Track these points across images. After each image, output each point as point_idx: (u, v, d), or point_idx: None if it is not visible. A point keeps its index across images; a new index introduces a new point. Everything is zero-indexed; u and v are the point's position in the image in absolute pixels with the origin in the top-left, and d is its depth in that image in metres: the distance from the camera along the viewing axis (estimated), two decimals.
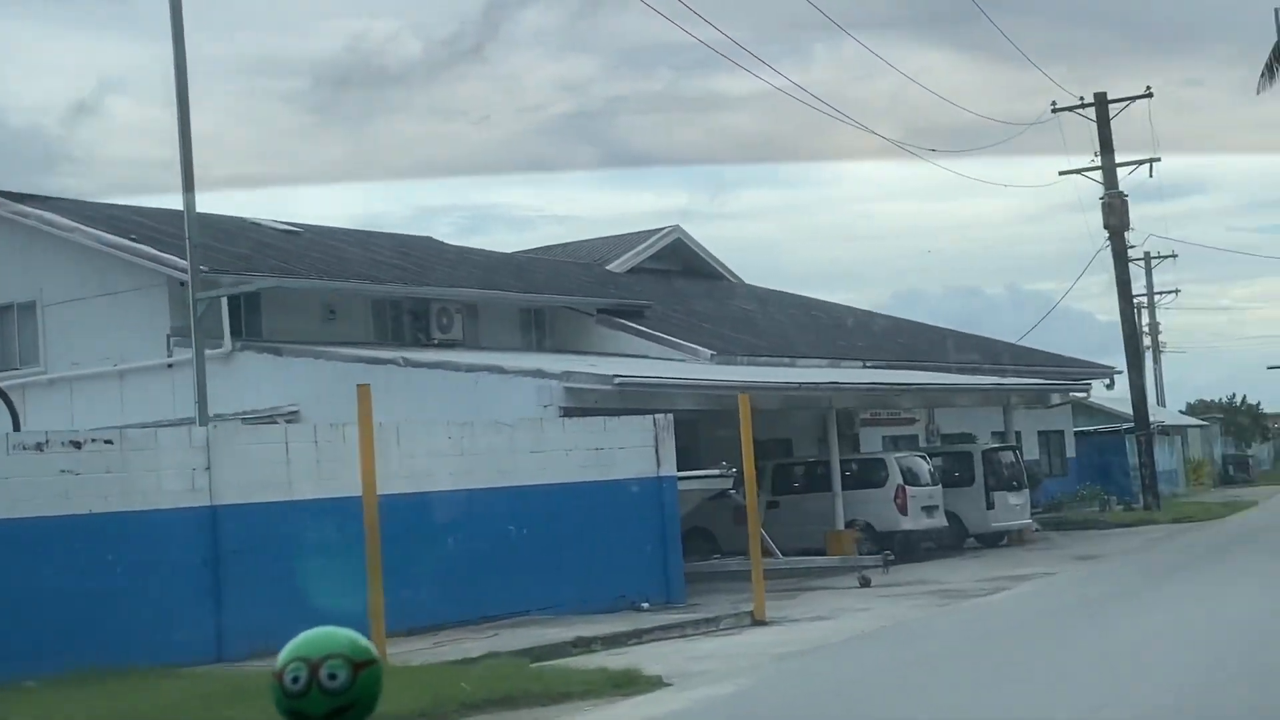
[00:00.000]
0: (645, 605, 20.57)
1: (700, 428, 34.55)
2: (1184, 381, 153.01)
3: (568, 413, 22.53)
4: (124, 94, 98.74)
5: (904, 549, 29.96)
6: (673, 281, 42.26)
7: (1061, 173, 42.29)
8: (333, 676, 3.12)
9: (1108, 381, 48.54)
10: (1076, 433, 50.67)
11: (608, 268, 41.26)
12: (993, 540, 32.81)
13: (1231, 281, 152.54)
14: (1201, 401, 75.16)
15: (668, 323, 35.25)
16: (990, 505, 32.04)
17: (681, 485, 22.60)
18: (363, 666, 3.15)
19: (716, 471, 23.59)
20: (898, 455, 30.52)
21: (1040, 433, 47.01)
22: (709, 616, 18.52)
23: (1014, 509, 32.66)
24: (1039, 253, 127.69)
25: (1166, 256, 71.87)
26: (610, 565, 20.72)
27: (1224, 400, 74.02)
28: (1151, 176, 41.64)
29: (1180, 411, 74.12)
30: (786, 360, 34.65)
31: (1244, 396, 74.32)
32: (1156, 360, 72.34)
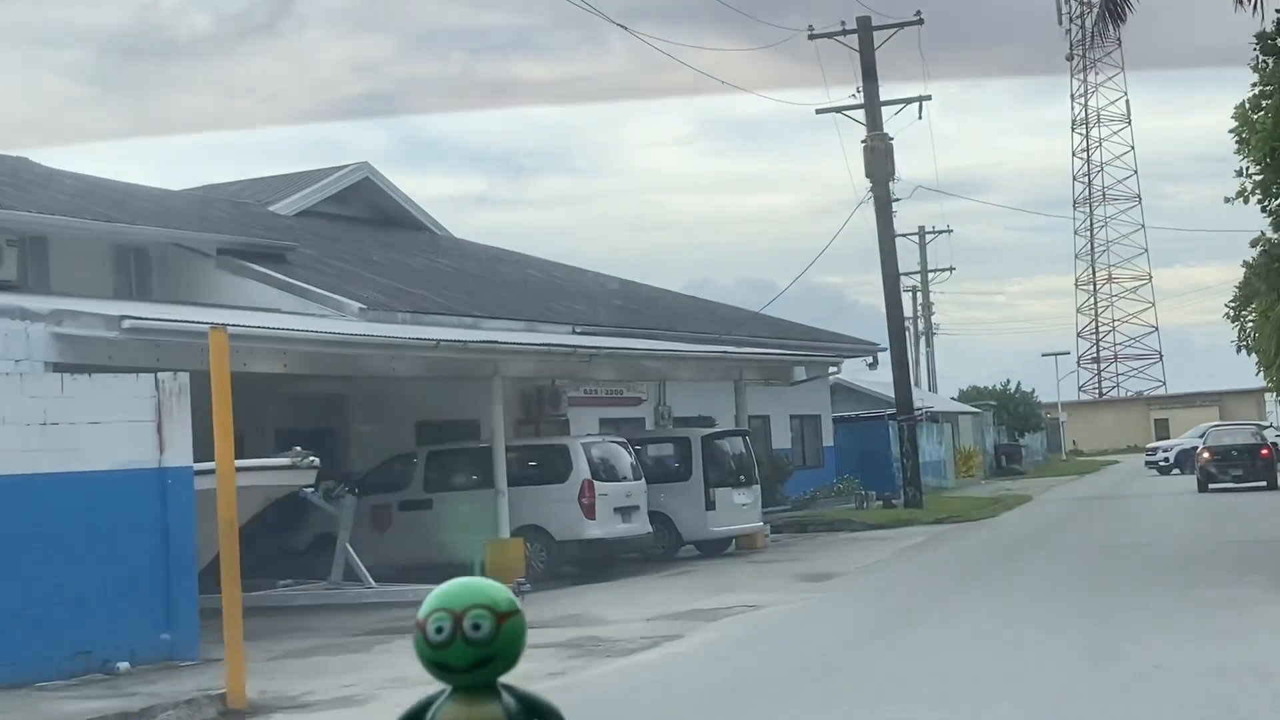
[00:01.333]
0: (123, 666, 13.27)
1: (353, 405, 27.18)
2: (958, 374, 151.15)
3: (63, 371, 14.97)
4: None
5: (591, 561, 22.97)
6: (354, 228, 34.69)
7: (819, 110, 35.83)
8: (476, 627, 3.05)
9: (870, 360, 42.48)
10: (836, 418, 44.52)
11: (272, 208, 33.53)
12: (716, 548, 26.08)
13: (1007, 279, 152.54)
14: (974, 388, 70.22)
15: (320, 271, 27.65)
16: (710, 505, 25.26)
17: (240, 480, 15.20)
18: (506, 617, 3.08)
19: (286, 460, 16.17)
20: (586, 440, 23.45)
21: (794, 418, 40.65)
22: (150, 704, 11.08)
23: (741, 510, 25.93)
24: (831, 246, 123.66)
25: (941, 231, 66.67)
26: (71, 605, 13.22)
27: (998, 387, 69.17)
28: (920, 118, 35.32)
29: (952, 399, 69.06)
30: (470, 321, 27.38)
31: (1018, 383, 69.68)
32: (928, 343, 67.12)
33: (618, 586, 20.91)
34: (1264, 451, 39.29)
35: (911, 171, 67.44)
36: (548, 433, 26.80)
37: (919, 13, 34.57)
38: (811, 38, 34.64)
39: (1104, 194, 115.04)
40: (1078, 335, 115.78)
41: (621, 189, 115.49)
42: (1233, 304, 62.81)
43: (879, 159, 34.44)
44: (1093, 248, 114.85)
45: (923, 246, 66.31)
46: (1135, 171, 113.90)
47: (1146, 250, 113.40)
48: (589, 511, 22.40)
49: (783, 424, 39.93)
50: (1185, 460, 47.54)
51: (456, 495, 22.80)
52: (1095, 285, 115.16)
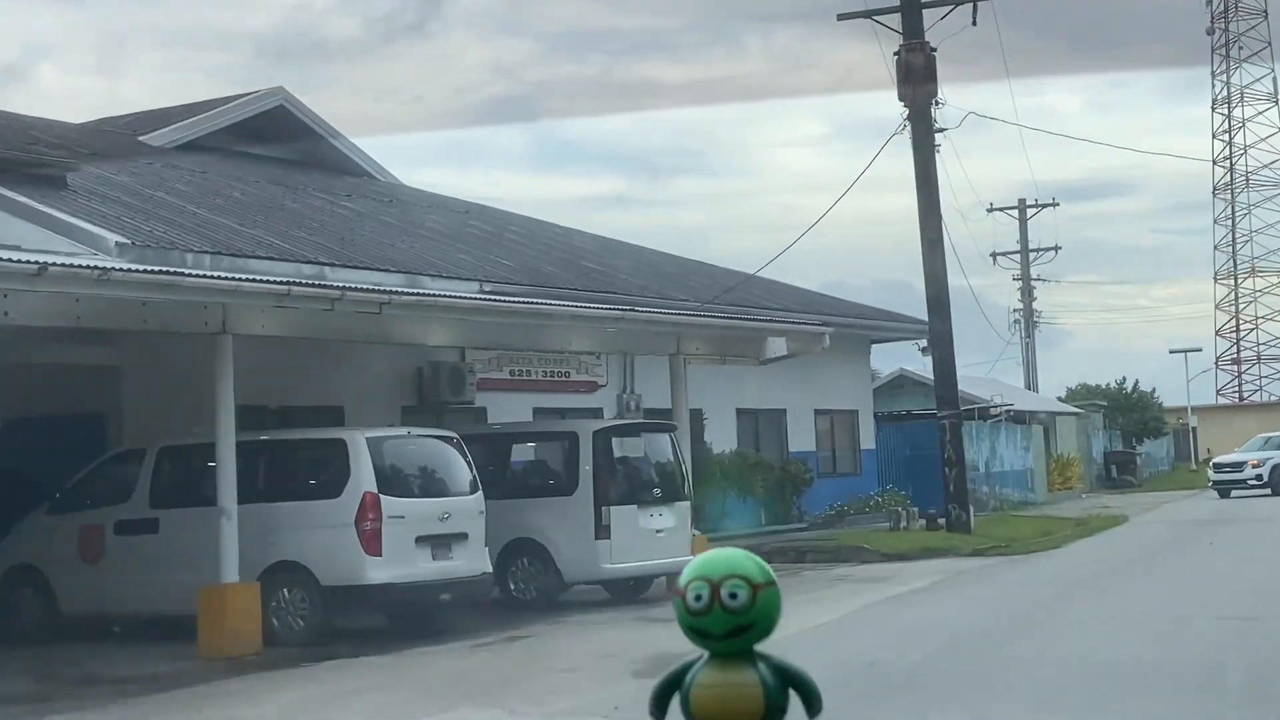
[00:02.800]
0: None
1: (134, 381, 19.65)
2: (1084, 375, 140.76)
3: None
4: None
5: (398, 617, 15.23)
6: (250, 165, 27.38)
7: (841, 16, 27.57)
8: (733, 596, 3.14)
9: (921, 345, 34.18)
10: (881, 415, 36.20)
11: (144, 138, 26.38)
12: (629, 593, 18.20)
13: (1152, 282, 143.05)
14: (1084, 386, 61.08)
15: (103, 200, 20.25)
16: (602, 531, 17.32)
17: None
18: (762, 588, 3.17)
19: None
20: (375, 435, 15.51)
21: (820, 413, 32.46)
22: None
23: (656, 539, 17.90)
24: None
25: (1046, 205, 57.62)
26: None
27: (1113, 385, 59.98)
28: (975, 24, 26.81)
29: (1059, 398, 59.98)
30: (312, 270, 19.78)
31: (1135, 382, 60.32)
32: (1028, 333, 58.13)
33: (371, 669, 13.09)
34: None
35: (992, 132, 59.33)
36: (454, 425, 19.20)
37: None
38: None
39: (1247, 179, 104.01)
40: (1216, 334, 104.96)
41: (756, 189, 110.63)
42: None
43: (915, 76, 26.11)
44: (1234, 237, 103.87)
45: (1023, 222, 57.40)
46: None
47: None
48: (370, 542, 14.60)
49: (804, 420, 31.77)
50: (1277, 477, 38.39)
51: (192, 514, 15.15)
52: (1236, 279, 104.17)
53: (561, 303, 18.33)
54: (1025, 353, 58.15)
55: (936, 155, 27.19)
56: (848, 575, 21.36)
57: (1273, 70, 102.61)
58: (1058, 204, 56.94)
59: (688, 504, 18.53)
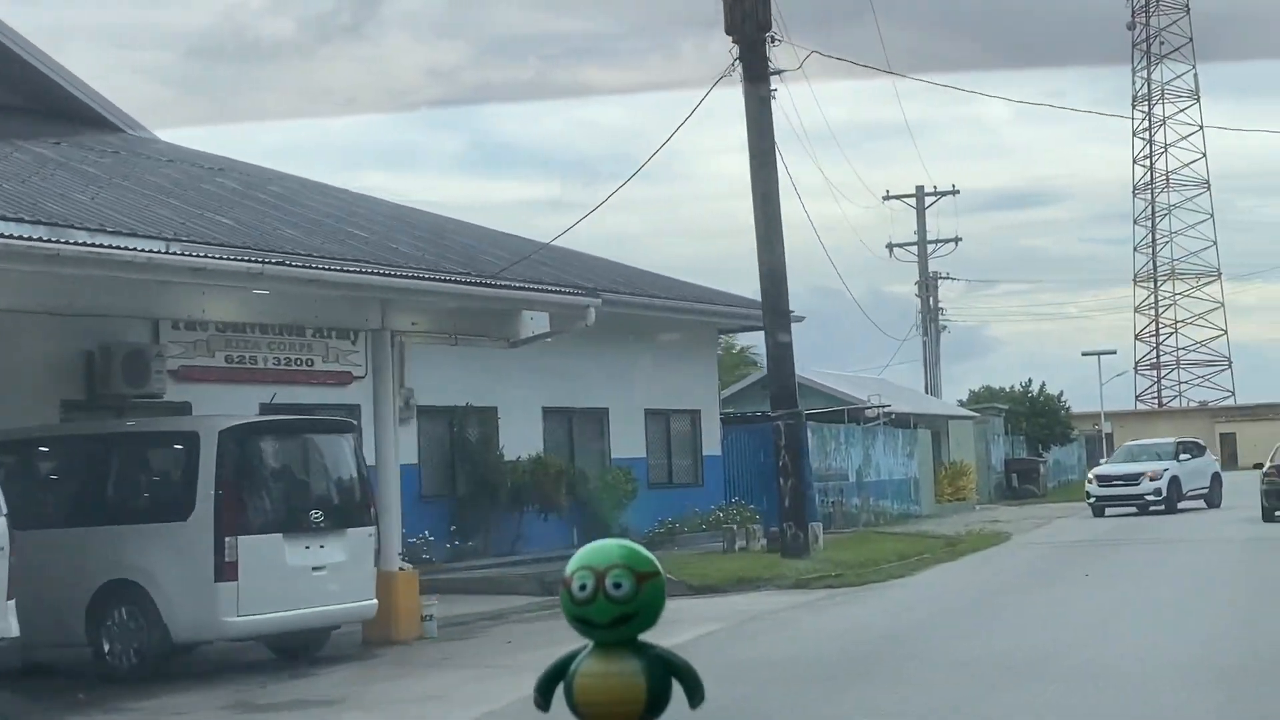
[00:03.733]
0: None
1: None
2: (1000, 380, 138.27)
3: None
4: None
5: None
6: None
7: None
8: (617, 585, 3.19)
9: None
10: (735, 417, 31.49)
11: None
12: (301, 650, 13.27)
13: (1079, 291, 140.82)
14: (988, 389, 56.71)
15: None
16: (227, 571, 12.34)
17: None
18: (646, 578, 3.23)
19: None
20: None
21: (653, 414, 27.61)
22: None
23: (316, 580, 12.95)
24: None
25: (946, 193, 53.16)
26: None
27: (1018, 388, 55.61)
28: None
29: (960, 402, 55.56)
30: None
31: (1042, 385, 55.98)
32: (925, 331, 53.60)
33: None
34: None
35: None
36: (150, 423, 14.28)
37: None
38: None
39: (1167, 178, 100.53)
40: (1136, 338, 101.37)
41: (690, 195, 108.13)
42: None
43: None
44: (1154, 239, 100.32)
45: (920, 210, 52.89)
46: (1204, 154, 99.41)
47: (1215, 243, 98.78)
48: None
49: (632, 422, 26.92)
50: (1175, 492, 33.42)
51: None
52: (1156, 281, 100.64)
53: (177, 255, 13.29)
54: (926, 352, 53.64)
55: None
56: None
57: (1194, 67, 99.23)
58: (958, 191, 52.58)
59: (370, 531, 13.57)
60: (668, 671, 3.27)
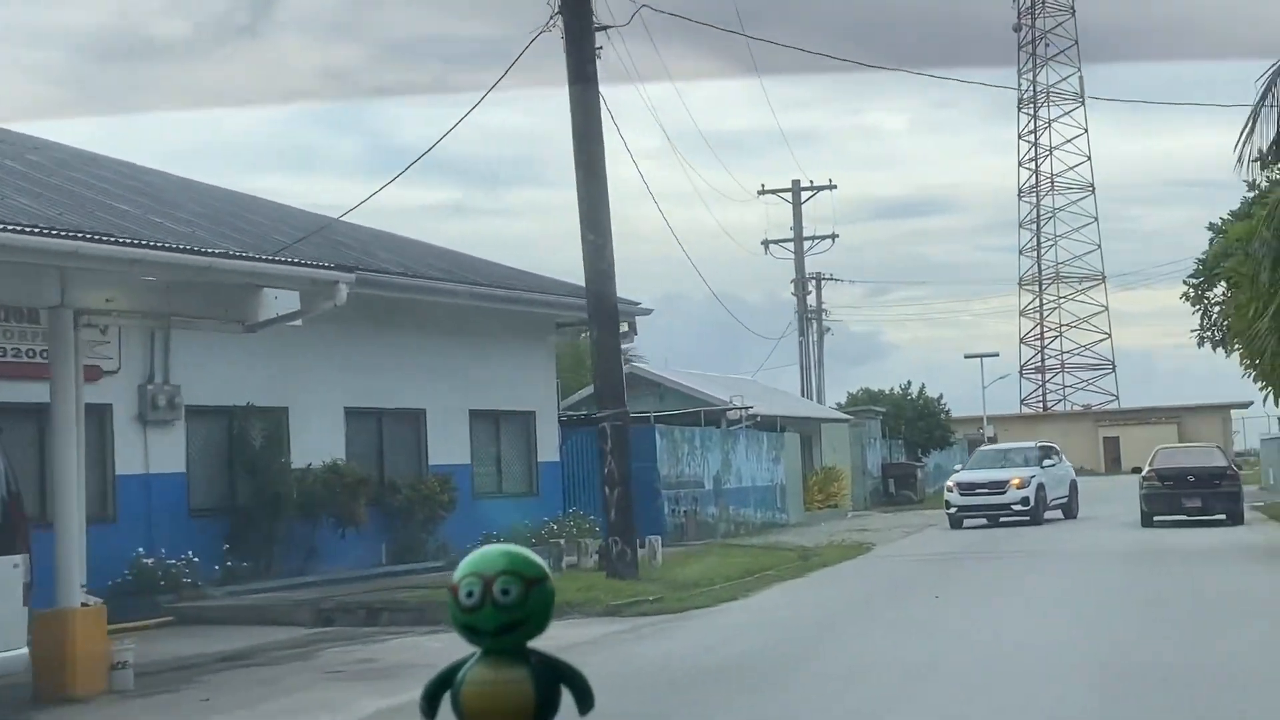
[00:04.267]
0: None
1: None
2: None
3: None
4: None
5: None
6: None
7: None
8: (505, 592, 3.02)
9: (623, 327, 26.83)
10: (579, 420, 28.82)
11: None
12: None
13: (971, 299, 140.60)
14: (866, 391, 54.54)
15: None
16: None
17: None
18: (535, 583, 3.04)
19: None
20: None
21: (479, 414, 24.85)
22: None
23: None
24: None
25: (822, 188, 50.90)
26: None
27: (897, 391, 53.52)
28: None
29: (837, 404, 53.34)
30: None
31: (922, 387, 53.93)
32: (803, 331, 51.31)
33: None
34: (1230, 476, 29.95)
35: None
36: None
37: None
38: None
39: (1052, 181, 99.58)
40: (1021, 342, 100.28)
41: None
42: (1195, 280, 46.99)
43: None
44: (1039, 242, 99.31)
45: (797, 205, 50.56)
46: (1089, 158, 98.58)
47: (1100, 247, 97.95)
48: None
49: (454, 424, 24.14)
50: (1041, 501, 30.31)
51: None
52: (1040, 284, 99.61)
53: None
54: (803, 353, 51.35)
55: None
56: (375, 660, 13.74)
57: (1079, 70, 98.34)
58: (834, 186, 50.32)
59: (16, 561, 10.65)
60: (556, 678, 3.13)
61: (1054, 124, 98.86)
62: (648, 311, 26.73)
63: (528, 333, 25.53)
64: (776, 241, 50.50)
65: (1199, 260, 47.42)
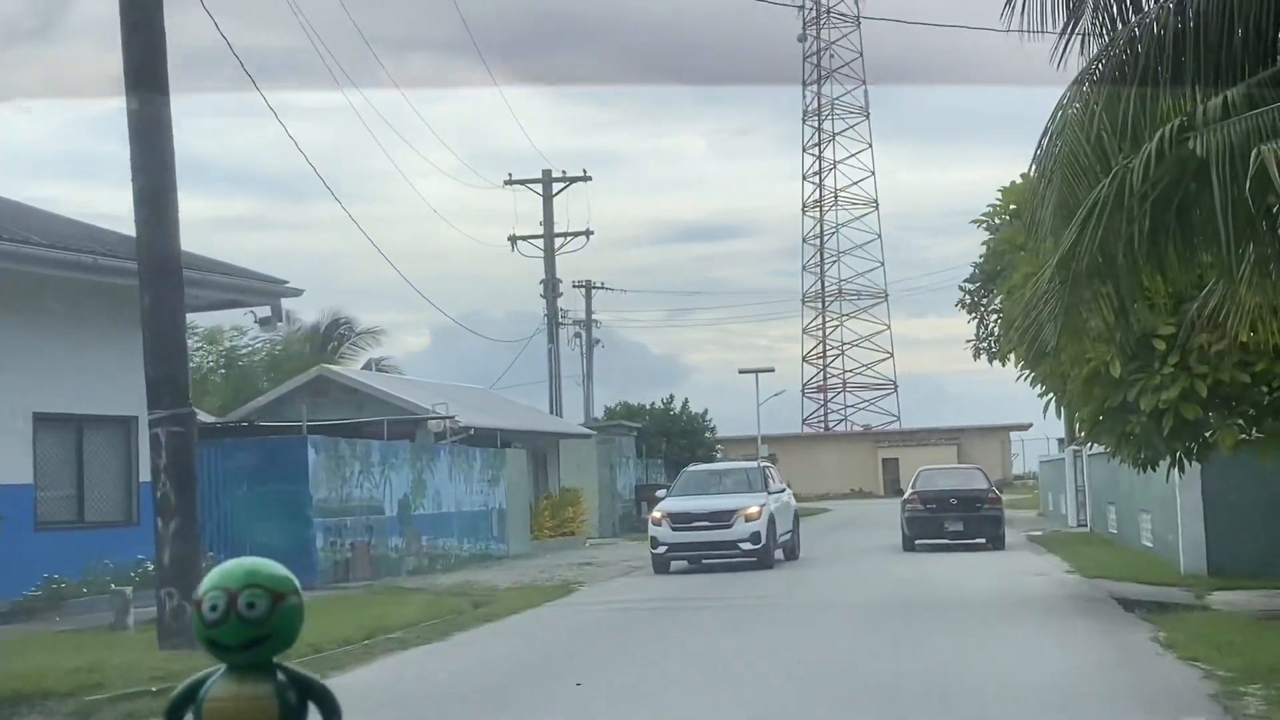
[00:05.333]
0: None
1: None
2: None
3: None
4: None
5: None
6: None
7: None
8: (251, 606, 2.98)
9: (260, 314, 21.06)
10: (217, 428, 22.93)
11: None
12: None
13: (766, 321, 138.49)
14: (625, 405, 49.46)
15: None
16: None
17: None
18: (282, 598, 3.02)
19: None
20: None
21: (46, 418, 18.77)
22: None
23: None
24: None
25: (577, 179, 45.66)
26: None
27: (659, 405, 48.58)
28: None
29: (593, 419, 48.09)
30: None
31: (685, 401, 49.07)
32: (551, 338, 45.93)
33: None
34: (991, 499, 28.53)
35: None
36: None
37: None
38: None
39: (836, 196, 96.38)
40: (804, 360, 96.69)
41: (394, 217, 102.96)
42: (971, 285, 42.62)
43: None
44: (822, 257, 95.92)
45: (548, 198, 45.17)
46: (873, 173, 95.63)
47: (883, 264, 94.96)
48: None
49: (9, 432, 18.06)
50: (772, 537, 23.96)
51: None
52: (824, 300, 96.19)
53: None
54: (551, 361, 45.92)
55: None
56: None
57: (864, 82, 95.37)
58: (589, 178, 45.14)
59: None
60: (304, 695, 3.04)
61: (838, 137, 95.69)
62: (297, 292, 20.95)
63: (121, 313, 19.58)
64: (525, 238, 45.09)
65: (974, 265, 43.74)
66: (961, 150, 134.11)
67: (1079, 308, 11.61)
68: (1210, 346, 13.86)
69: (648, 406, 48.51)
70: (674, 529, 23.48)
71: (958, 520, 27.76)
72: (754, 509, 23.45)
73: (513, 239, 45.27)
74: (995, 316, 43.75)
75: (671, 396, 48.67)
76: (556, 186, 45.10)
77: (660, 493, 26.16)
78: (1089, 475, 33.25)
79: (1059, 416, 20.87)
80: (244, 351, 40.65)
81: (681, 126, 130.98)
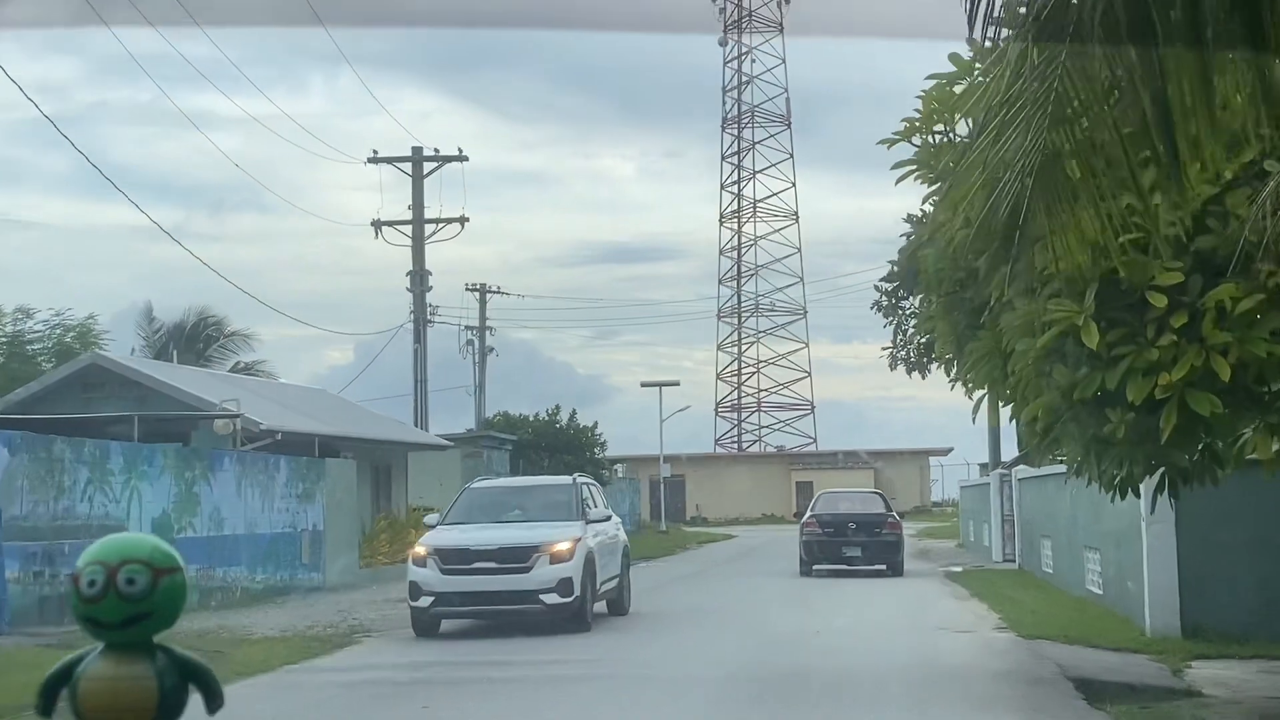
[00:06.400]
0: None
1: None
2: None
3: None
4: None
5: None
6: None
7: None
8: (130, 582, 2.86)
9: None
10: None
11: None
12: None
13: (695, 345, 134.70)
14: (504, 416, 43.97)
15: None
16: None
17: None
18: (164, 574, 2.91)
19: None
20: None
21: None
22: None
23: None
24: None
25: (452, 158, 40.23)
26: None
27: (544, 416, 43.17)
28: None
29: (467, 431, 42.55)
30: None
31: (572, 413, 43.64)
32: (420, 337, 40.38)
33: None
34: (890, 524, 27.41)
35: None
36: None
37: None
38: None
39: (754, 206, 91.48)
40: (718, 378, 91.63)
41: (318, 230, 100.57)
42: (888, 285, 37.70)
43: None
44: (739, 271, 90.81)
45: (418, 179, 39.65)
46: (794, 184, 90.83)
47: (802, 280, 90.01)
48: None
49: None
50: (590, 584, 17.02)
51: None
52: (740, 316, 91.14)
53: None
54: (417, 365, 40.32)
55: None
56: None
57: (785, 90, 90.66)
58: (466, 158, 39.72)
59: None
60: (184, 675, 2.92)
61: (758, 146, 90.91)
62: None
63: None
64: (390, 223, 39.56)
65: (892, 263, 38.76)
66: (887, 177, 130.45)
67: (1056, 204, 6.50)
68: (1237, 304, 8.75)
69: (530, 417, 43.03)
70: (445, 572, 16.50)
71: (855, 545, 26.70)
72: (563, 545, 16.53)
73: (376, 224, 39.75)
74: (914, 320, 38.90)
75: (558, 407, 43.27)
76: (428, 167, 39.65)
77: (430, 518, 19.88)
78: (1019, 502, 28.21)
79: (1003, 421, 15.65)
80: (32, 338, 34.88)
81: (611, 149, 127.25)
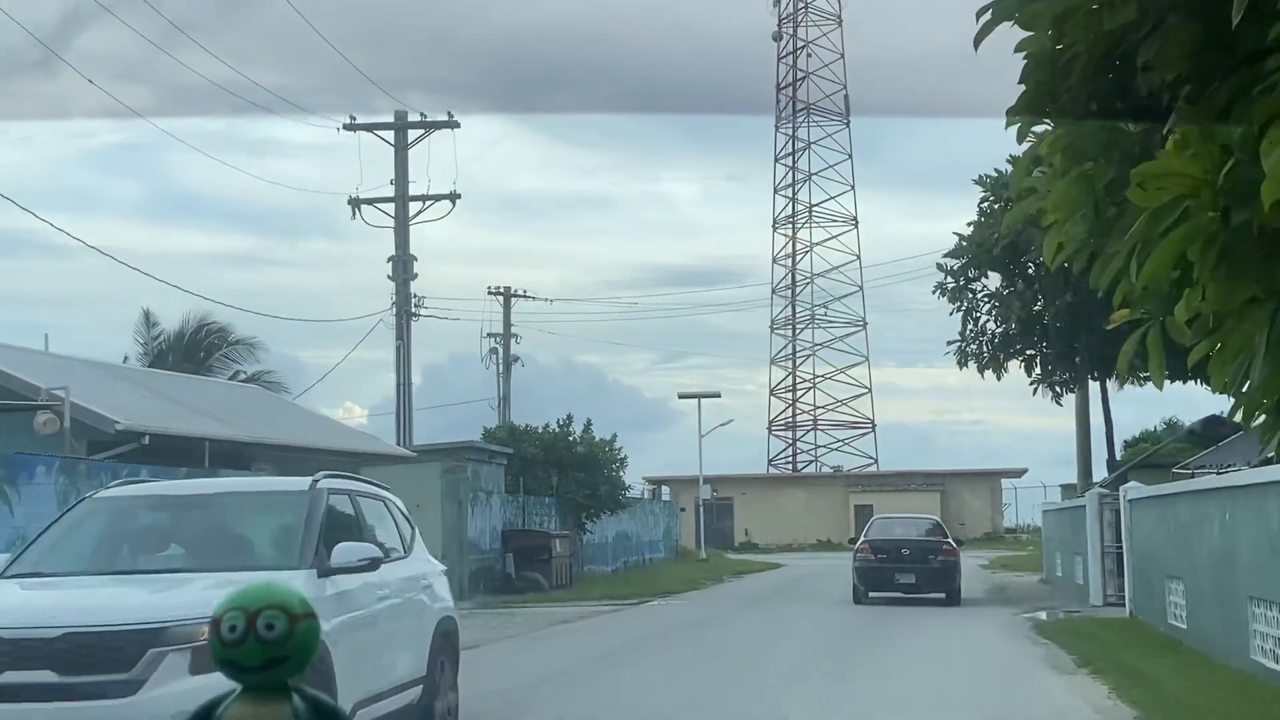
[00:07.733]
0: None
1: None
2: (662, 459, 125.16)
3: None
4: None
5: None
6: None
7: None
8: (270, 627, 2.91)
9: None
10: None
11: None
12: None
13: (757, 367, 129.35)
14: (509, 428, 37.83)
15: None
16: None
17: None
18: (300, 619, 2.96)
19: None
20: None
21: None
22: None
23: None
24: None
25: (443, 124, 34.05)
26: None
27: (555, 428, 37.03)
28: None
29: (469, 442, 36.33)
30: None
31: (587, 423, 37.44)
32: (403, 333, 34.19)
33: None
34: (946, 550, 25.87)
35: None
36: None
37: None
38: None
39: (810, 212, 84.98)
40: (771, 394, 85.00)
41: (377, 254, 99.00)
42: (955, 262, 31.36)
43: None
44: (794, 280, 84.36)
45: (400, 149, 33.59)
46: (852, 188, 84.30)
47: (861, 288, 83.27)
48: None
49: None
50: None
51: None
52: (795, 328, 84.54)
53: None
54: (399, 365, 34.23)
55: None
56: None
57: (845, 87, 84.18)
58: (458, 125, 33.72)
59: None
60: (318, 716, 2.99)
61: (814, 146, 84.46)
62: None
63: None
64: (370, 201, 33.54)
65: (959, 234, 32.00)
66: (952, 199, 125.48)
67: None
68: None
69: (539, 429, 36.82)
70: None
71: (910, 572, 25.70)
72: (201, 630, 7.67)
73: (354, 202, 33.75)
74: (988, 305, 32.31)
75: (570, 417, 36.97)
76: (413, 134, 33.63)
77: None
78: (1130, 530, 21.50)
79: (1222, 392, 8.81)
80: None
81: (673, 173, 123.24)
